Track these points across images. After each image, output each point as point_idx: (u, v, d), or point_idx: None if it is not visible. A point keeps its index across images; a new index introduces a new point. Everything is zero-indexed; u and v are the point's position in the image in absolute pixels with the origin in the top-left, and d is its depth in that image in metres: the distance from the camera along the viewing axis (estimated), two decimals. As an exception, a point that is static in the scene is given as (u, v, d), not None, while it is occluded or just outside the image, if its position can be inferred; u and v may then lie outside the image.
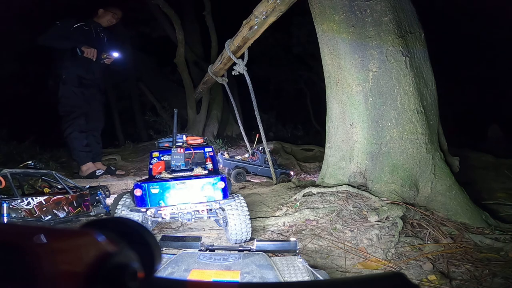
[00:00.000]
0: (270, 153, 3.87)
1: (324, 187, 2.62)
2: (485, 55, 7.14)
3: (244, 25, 2.93)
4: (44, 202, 2.10)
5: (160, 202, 1.73)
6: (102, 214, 2.51)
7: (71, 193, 2.32)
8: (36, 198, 2.07)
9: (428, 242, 1.94)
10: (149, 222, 1.87)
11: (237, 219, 1.83)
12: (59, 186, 2.45)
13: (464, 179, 2.64)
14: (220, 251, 1.08)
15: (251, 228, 1.90)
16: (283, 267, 0.96)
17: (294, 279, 0.90)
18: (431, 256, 1.79)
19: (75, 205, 2.33)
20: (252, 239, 1.90)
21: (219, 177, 1.80)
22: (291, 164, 5.11)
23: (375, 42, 2.50)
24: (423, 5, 3.00)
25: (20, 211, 1.98)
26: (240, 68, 3.35)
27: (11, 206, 1.94)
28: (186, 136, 2.34)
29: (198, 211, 1.82)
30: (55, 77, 3.64)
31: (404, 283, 0.40)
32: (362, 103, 2.59)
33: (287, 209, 2.38)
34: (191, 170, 2.00)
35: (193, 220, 1.84)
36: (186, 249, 1.07)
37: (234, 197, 1.88)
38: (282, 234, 2.11)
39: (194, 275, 0.88)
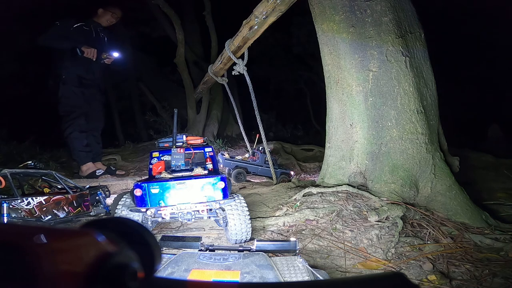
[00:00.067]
0: (270, 153, 3.87)
1: (324, 187, 2.62)
2: (485, 55, 7.14)
3: (244, 25, 2.93)
4: (44, 202, 2.10)
5: (160, 202, 1.73)
6: (102, 214, 2.51)
7: (71, 193, 2.32)
8: (36, 198, 2.07)
9: (428, 242, 1.94)
10: (149, 222, 1.87)
11: (237, 219, 1.83)
12: (59, 186, 2.46)
13: (464, 179, 2.64)
14: (220, 251, 1.08)
15: (251, 228, 1.90)
16: (283, 267, 0.96)
17: (294, 279, 0.90)
18: (431, 256, 1.79)
19: (75, 205, 2.33)
20: (252, 239, 1.90)
21: (219, 177, 1.80)
22: (291, 164, 5.11)
23: (375, 42, 2.50)
24: (423, 5, 3.00)
25: (20, 211, 1.98)
26: (240, 68, 3.35)
27: (11, 206, 1.94)
28: (186, 136, 2.34)
29: (198, 211, 1.82)
30: (55, 77, 3.64)
31: (404, 283, 0.40)
32: (362, 103, 2.59)
33: (287, 209, 2.38)
34: (191, 170, 2.00)
35: (193, 220, 1.84)
36: (186, 249, 1.07)
37: (234, 197, 1.88)
38: (282, 234, 2.11)
39: (194, 275, 0.88)
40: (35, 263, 0.25)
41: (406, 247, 1.88)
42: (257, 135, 3.93)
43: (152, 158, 2.14)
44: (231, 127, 7.44)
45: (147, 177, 2.05)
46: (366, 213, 2.17)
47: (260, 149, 4.17)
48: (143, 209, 1.75)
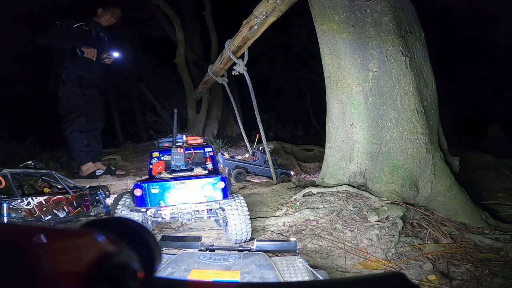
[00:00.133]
0: (270, 153, 3.87)
1: (324, 187, 2.62)
2: (485, 55, 7.14)
3: (244, 25, 2.93)
4: (44, 202, 2.10)
5: (160, 202, 1.73)
6: (102, 214, 2.51)
7: (71, 193, 2.32)
8: (36, 198, 2.07)
9: (428, 242, 1.94)
10: (149, 222, 1.87)
11: (237, 219, 1.83)
12: (59, 186, 2.45)
13: (464, 179, 2.64)
14: (220, 251, 1.08)
15: (251, 228, 1.89)
16: (283, 267, 0.96)
17: (294, 279, 0.90)
18: (431, 256, 1.79)
19: (75, 205, 2.33)
20: (252, 239, 1.90)
21: (219, 177, 1.80)
22: (291, 164, 5.11)
23: (375, 42, 2.50)
24: (423, 5, 3.00)
25: (20, 211, 1.98)
26: (240, 68, 3.35)
27: (11, 206, 1.94)
28: (186, 136, 2.34)
29: (198, 211, 1.82)
30: (55, 77, 3.64)
31: (404, 283, 0.40)
32: (362, 103, 2.59)
33: (287, 209, 2.38)
34: (191, 170, 2.00)
35: (193, 220, 1.84)
36: (186, 249, 1.07)
37: (234, 197, 1.88)
38: (282, 234, 2.11)
39: (194, 275, 0.88)
40: (35, 263, 0.25)
41: (406, 247, 1.88)
42: (257, 135, 3.93)
43: (152, 158, 2.14)
44: (231, 127, 7.44)
45: (147, 177, 2.05)
46: (366, 213, 2.17)
47: (260, 149, 4.17)
48: (143, 209, 1.75)
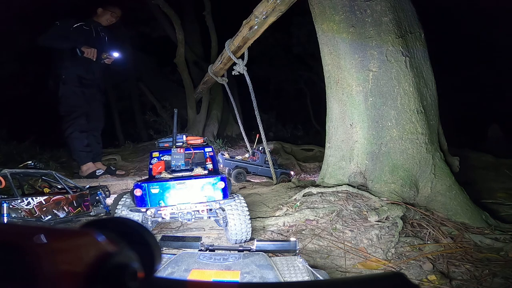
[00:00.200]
0: (270, 153, 3.87)
1: (324, 187, 2.62)
2: (485, 55, 7.14)
3: (244, 25, 2.93)
4: (44, 202, 2.10)
5: (160, 202, 1.73)
6: (102, 214, 2.51)
7: (71, 193, 2.32)
8: (36, 198, 2.07)
9: (428, 242, 1.94)
10: (149, 222, 1.87)
11: (237, 219, 1.83)
12: (59, 186, 2.45)
13: (464, 179, 2.64)
14: (220, 251, 1.08)
15: (251, 228, 1.89)
16: (283, 267, 0.96)
17: (294, 279, 0.90)
18: (431, 256, 1.79)
19: (75, 205, 2.33)
20: (252, 239, 1.90)
21: (219, 177, 1.80)
22: (291, 164, 5.11)
23: (375, 42, 2.50)
24: (423, 5, 3.00)
25: (20, 211, 1.98)
26: (240, 68, 3.35)
27: (11, 206, 1.94)
28: (186, 136, 2.34)
29: (198, 211, 1.82)
30: (55, 77, 3.63)
31: (404, 283, 0.40)
32: (362, 103, 2.59)
33: (287, 209, 2.38)
34: (191, 170, 2.00)
35: (193, 220, 1.84)
36: (186, 249, 1.07)
37: (234, 197, 1.88)
38: (282, 234, 2.11)
39: (194, 275, 0.88)
40: (35, 263, 0.25)
41: (406, 247, 1.88)
42: (257, 135, 3.93)
43: (152, 158, 2.14)
44: (231, 127, 7.44)
45: (147, 177, 2.05)
46: (366, 213, 2.17)
47: (260, 149, 4.17)
48: (143, 209, 1.75)
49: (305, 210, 2.25)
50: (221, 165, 3.89)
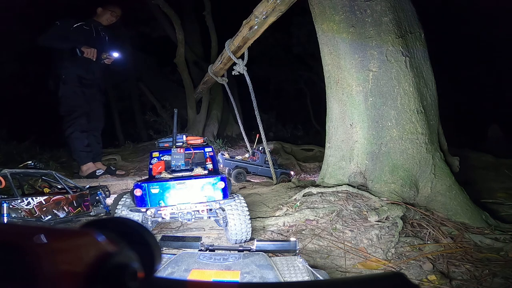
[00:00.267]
0: (270, 153, 3.87)
1: (324, 187, 2.62)
2: (485, 55, 7.14)
3: (244, 25, 2.93)
4: (44, 202, 2.10)
5: (160, 202, 1.73)
6: (102, 214, 2.51)
7: (71, 193, 2.32)
8: (36, 198, 2.07)
9: (428, 242, 1.94)
10: (149, 222, 1.87)
11: (237, 219, 1.83)
12: (59, 186, 2.45)
13: (464, 179, 2.64)
14: (220, 251, 1.08)
15: (251, 228, 1.89)
16: (283, 267, 0.96)
17: (294, 279, 0.90)
18: (431, 256, 1.79)
19: (75, 205, 2.33)
20: (252, 239, 1.90)
21: (219, 177, 1.80)
22: (291, 164, 5.11)
23: (375, 42, 2.50)
24: (423, 5, 3.00)
25: (20, 211, 1.98)
26: (240, 68, 3.35)
27: (11, 206, 1.94)
28: (186, 136, 2.34)
29: (198, 211, 1.82)
30: (55, 77, 3.63)
31: (404, 283, 0.40)
32: (362, 103, 2.59)
33: (287, 209, 2.38)
34: (191, 170, 2.00)
35: (193, 220, 1.84)
36: (186, 249, 1.07)
37: (234, 197, 1.88)
38: (282, 234, 2.11)
39: (194, 275, 0.88)
40: (35, 263, 0.25)
41: (406, 247, 1.88)
42: (257, 135, 3.93)
43: (152, 158, 2.14)
44: (231, 127, 7.44)
45: (147, 177, 2.05)
46: (366, 213, 2.17)
47: (260, 149, 4.17)
48: (143, 209, 1.75)
49: (305, 210, 2.25)
50: (221, 165, 3.89)
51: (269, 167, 3.78)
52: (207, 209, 1.84)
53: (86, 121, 3.67)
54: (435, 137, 2.58)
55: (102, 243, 0.32)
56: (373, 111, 2.55)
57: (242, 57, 3.36)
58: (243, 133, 4.27)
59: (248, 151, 4.31)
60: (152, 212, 1.77)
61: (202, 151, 2.24)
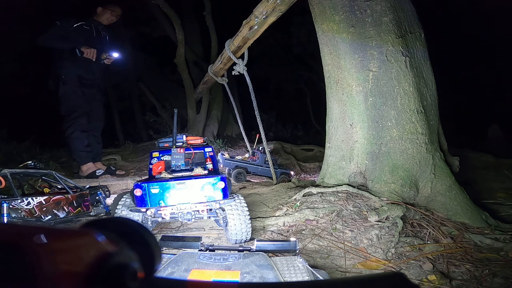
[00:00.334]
0: (270, 153, 3.86)
1: (324, 187, 2.62)
2: (485, 55, 7.14)
3: (244, 25, 2.93)
4: (44, 202, 2.10)
5: (160, 202, 1.73)
6: (102, 214, 2.51)
7: (71, 193, 2.32)
8: (36, 198, 2.07)
9: (428, 242, 1.94)
10: (149, 222, 1.87)
11: (237, 219, 1.83)
12: (59, 186, 2.45)
13: (464, 179, 2.64)
14: (220, 251, 1.08)
15: (251, 228, 1.89)
16: (283, 267, 0.96)
17: (294, 279, 0.90)
18: (431, 256, 1.79)
19: (75, 205, 2.33)
20: (252, 239, 1.90)
21: (219, 177, 1.80)
22: (291, 164, 5.11)
23: (375, 42, 2.50)
24: (423, 5, 3.00)
25: (20, 211, 1.98)
26: (240, 68, 3.35)
27: (11, 206, 1.94)
28: (186, 136, 2.34)
29: (198, 211, 1.82)
30: (55, 77, 3.63)
31: (404, 283, 0.40)
32: (362, 103, 2.59)
33: (287, 209, 2.38)
34: (191, 170, 2.00)
35: (193, 220, 1.84)
36: (186, 249, 1.07)
37: (234, 197, 1.88)
38: (282, 234, 2.11)
39: (194, 275, 0.88)
40: (35, 263, 0.25)
41: (406, 247, 1.88)
42: (257, 135, 3.93)
43: (152, 158, 2.14)
44: (231, 127, 7.44)
45: (147, 177, 2.05)
46: (366, 213, 2.17)
47: (260, 149, 4.17)
48: (143, 209, 1.75)
49: (305, 210, 2.25)
50: (221, 165, 3.89)
51: (269, 167, 3.78)
52: (207, 209, 1.84)
53: (86, 121, 3.67)
54: (435, 137, 2.58)
55: (102, 243, 0.32)
56: (373, 111, 2.55)
57: (242, 57, 3.36)
58: (243, 133, 4.27)
59: (248, 151, 4.31)
60: (152, 212, 1.77)
61: (202, 151, 2.24)
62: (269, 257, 0.97)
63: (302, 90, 10.59)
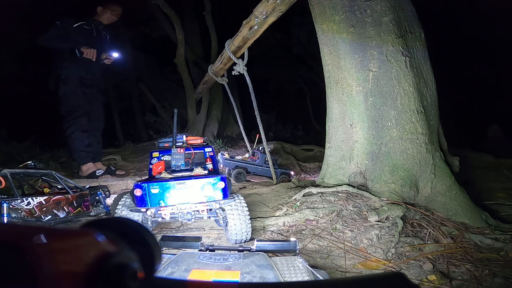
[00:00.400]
0: (270, 153, 3.86)
1: (324, 187, 2.62)
2: (485, 55, 7.14)
3: (244, 25, 2.93)
4: (44, 202, 2.10)
5: (160, 202, 1.73)
6: (102, 214, 2.51)
7: (71, 193, 2.32)
8: (36, 198, 2.07)
9: (428, 242, 1.94)
10: (149, 222, 1.87)
11: (237, 219, 1.83)
12: (59, 186, 2.45)
13: (464, 179, 2.64)
14: (220, 251, 1.08)
15: (251, 228, 1.89)
16: (283, 267, 0.96)
17: (294, 279, 0.90)
18: (431, 256, 1.79)
19: (75, 205, 2.33)
20: (252, 239, 1.90)
21: (219, 177, 1.80)
22: (291, 164, 5.11)
23: (375, 42, 2.50)
24: (423, 5, 3.00)
25: (20, 211, 1.98)
26: (240, 68, 3.35)
27: (11, 206, 1.94)
28: (186, 136, 2.34)
29: (198, 211, 1.82)
30: (56, 77, 3.63)
31: (404, 283, 0.40)
32: (362, 103, 2.59)
33: (287, 209, 2.38)
34: (191, 170, 2.00)
35: (193, 220, 1.84)
36: (186, 249, 1.07)
37: (234, 197, 1.88)
38: (282, 234, 2.11)
39: (194, 275, 0.88)
40: (35, 263, 0.25)
41: (406, 247, 1.88)
42: (257, 135, 3.93)
43: (152, 158, 2.14)
44: (231, 127, 7.44)
45: (147, 177, 2.05)
46: (366, 213, 2.17)
47: (260, 149, 4.17)
48: (143, 209, 1.75)
49: (305, 210, 2.25)
50: (221, 165, 3.89)
51: (269, 167, 3.78)
52: (207, 209, 1.84)
53: (86, 121, 3.67)
54: (435, 137, 2.58)
55: (102, 243, 0.32)
56: (373, 111, 2.55)
57: (242, 57, 3.36)
58: (243, 133, 4.27)
59: (248, 151, 4.31)
60: (152, 212, 1.77)
61: (202, 151, 2.24)
62: (269, 257, 0.97)
63: (302, 90, 10.59)
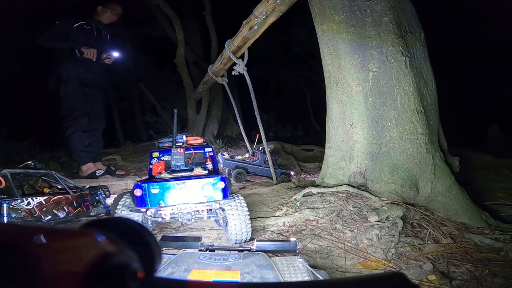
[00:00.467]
0: (270, 153, 3.86)
1: (324, 187, 2.62)
2: (485, 55, 7.14)
3: (244, 25, 2.93)
4: (44, 202, 2.10)
5: (160, 202, 1.73)
6: (102, 214, 2.51)
7: (71, 193, 2.32)
8: (36, 198, 2.07)
9: (428, 242, 1.94)
10: (149, 222, 1.87)
11: (237, 219, 1.83)
12: (59, 186, 2.45)
13: (464, 179, 2.64)
14: (220, 251, 1.08)
15: (251, 228, 1.89)
16: (283, 267, 0.96)
17: (294, 279, 0.90)
18: (431, 256, 1.79)
19: (75, 205, 2.33)
20: (252, 239, 1.90)
21: (219, 177, 1.80)
22: (291, 164, 5.11)
23: (375, 42, 2.50)
24: (423, 5, 3.00)
25: (20, 211, 1.98)
26: (240, 68, 3.35)
27: (11, 206, 1.94)
28: (186, 136, 2.34)
29: (198, 211, 1.82)
30: (56, 77, 3.63)
31: (404, 283, 0.40)
32: (362, 103, 2.59)
33: (287, 209, 2.38)
34: (191, 170, 2.00)
35: (193, 220, 1.84)
36: (186, 249, 1.07)
37: (234, 197, 1.88)
38: (282, 234, 2.11)
39: (194, 275, 0.88)
40: (35, 263, 0.25)
41: (406, 247, 1.88)
42: (257, 135, 3.92)
43: (152, 158, 2.14)
44: (231, 127, 7.44)
45: (147, 177, 2.05)
46: (366, 213, 2.17)
47: (260, 149, 4.17)
48: (143, 209, 1.75)
49: (305, 210, 2.25)
50: (221, 165, 3.89)
51: (269, 167, 3.78)
52: (207, 209, 1.84)
53: (87, 121, 3.68)
54: (435, 137, 2.58)
55: (102, 243, 0.32)
56: (373, 111, 2.55)
57: (242, 57, 3.36)
58: (243, 133, 4.27)
59: (248, 151, 4.31)
60: (152, 212, 1.77)
61: (202, 151, 2.24)
62: (269, 257, 0.97)
63: (302, 90, 10.59)
